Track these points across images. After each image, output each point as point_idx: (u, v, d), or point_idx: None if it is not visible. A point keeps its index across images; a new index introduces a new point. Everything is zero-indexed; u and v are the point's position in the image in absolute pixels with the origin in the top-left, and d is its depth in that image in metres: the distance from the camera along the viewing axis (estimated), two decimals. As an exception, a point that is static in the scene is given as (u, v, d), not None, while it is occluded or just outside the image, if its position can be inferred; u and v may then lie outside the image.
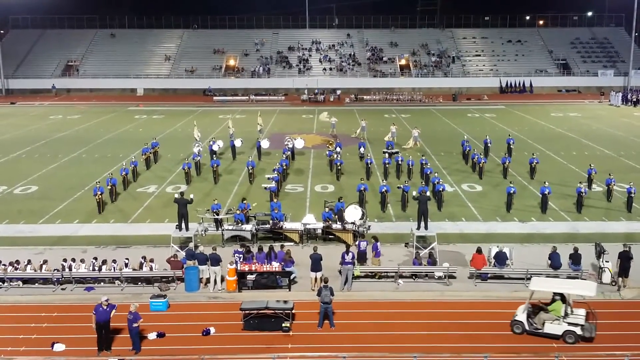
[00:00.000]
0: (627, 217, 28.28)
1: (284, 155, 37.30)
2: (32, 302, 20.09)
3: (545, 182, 29.51)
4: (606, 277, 20.92)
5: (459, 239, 25.52)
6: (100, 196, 29.01)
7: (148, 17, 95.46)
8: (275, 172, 32.05)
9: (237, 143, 41.19)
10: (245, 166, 35.35)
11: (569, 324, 17.46)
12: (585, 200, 29.11)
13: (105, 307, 17.07)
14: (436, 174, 31.93)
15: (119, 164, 37.36)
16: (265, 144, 40.43)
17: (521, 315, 17.91)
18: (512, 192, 28.97)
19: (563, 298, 18.03)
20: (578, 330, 17.32)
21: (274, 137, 46.21)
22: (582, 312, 17.86)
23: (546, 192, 28.67)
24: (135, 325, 16.99)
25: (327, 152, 38.80)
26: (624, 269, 20.66)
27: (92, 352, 17.08)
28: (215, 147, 38.91)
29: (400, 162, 35.41)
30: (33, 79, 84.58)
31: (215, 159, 36.02)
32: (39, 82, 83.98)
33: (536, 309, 18.22)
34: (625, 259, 20.63)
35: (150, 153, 38.97)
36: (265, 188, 29.87)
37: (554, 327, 17.54)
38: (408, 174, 34.50)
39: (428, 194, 25.19)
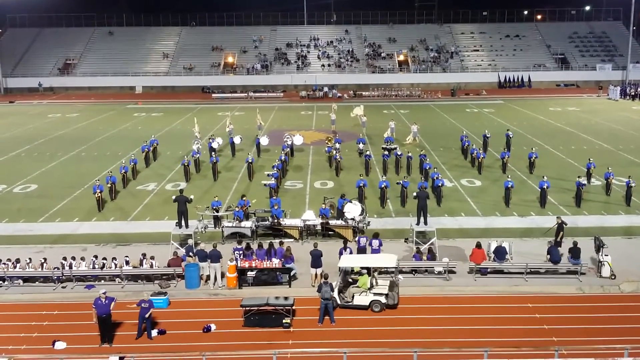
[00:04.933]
0: (626, 211, 28.32)
1: (283, 152, 37.30)
2: (33, 301, 20.11)
3: (544, 177, 29.52)
4: (605, 271, 20.95)
5: (458, 234, 25.56)
6: (99, 194, 29.03)
7: (146, 14, 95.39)
8: (275, 169, 32.07)
9: (237, 140, 41.22)
10: (245, 163, 35.38)
11: (375, 294, 19.17)
12: (584, 194, 29.15)
13: (104, 300, 17.21)
14: (435, 169, 31.95)
15: (119, 162, 37.36)
16: (264, 141, 40.44)
17: (333, 292, 19.09)
18: (509, 186, 29.00)
19: (369, 272, 19.57)
20: (382, 299, 19.05)
21: (273, 133, 46.18)
22: (385, 282, 19.73)
23: (545, 187, 28.71)
24: (150, 312, 17.58)
25: (326, 148, 38.82)
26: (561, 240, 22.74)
27: (93, 349, 17.12)
28: (214, 145, 38.94)
29: (399, 158, 35.44)
30: (31, 77, 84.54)
31: (214, 156, 36.03)
32: (37, 80, 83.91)
33: (347, 284, 19.52)
34: (561, 229, 22.82)
35: (148, 150, 38.81)
36: (265, 185, 29.92)
37: (361, 299, 19.17)
38: (407, 170, 34.52)
39: (427, 189, 25.24)
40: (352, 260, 20.58)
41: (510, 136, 40.20)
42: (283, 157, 35.49)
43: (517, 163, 36.40)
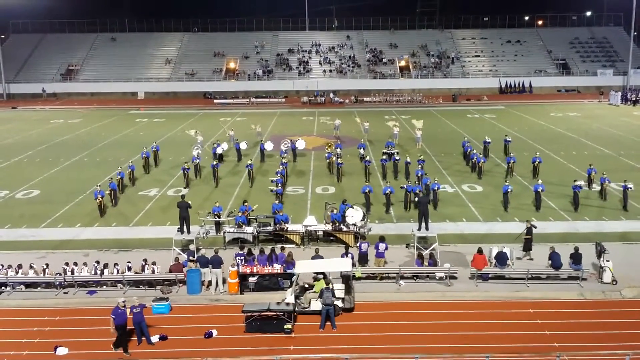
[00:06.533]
0: (626, 216, 28.31)
1: (282, 158, 37.34)
2: (35, 306, 20.15)
3: (538, 180, 29.49)
4: (607, 277, 20.97)
5: (459, 240, 25.56)
6: (101, 200, 29.11)
7: (148, 20, 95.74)
8: (279, 175, 32.21)
9: (242, 146, 41.43)
10: (246, 168, 35.49)
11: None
12: (584, 199, 29.13)
13: (123, 309, 17.28)
14: (426, 175, 31.58)
15: (118, 169, 37.38)
16: (269, 146, 40.68)
17: (290, 298, 19.18)
18: (508, 190, 28.97)
19: (325, 277, 19.54)
20: (339, 303, 19.01)
21: (275, 139, 46.27)
22: (341, 287, 19.77)
23: (539, 190, 28.72)
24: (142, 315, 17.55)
25: (326, 154, 38.88)
26: (529, 242, 23.04)
27: (95, 355, 17.18)
28: (219, 150, 39.10)
29: (396, 162, 35.46)
30: (34, 83, 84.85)
31: (217, 162, 36.12)
32: (40, 86, 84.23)
33: (303, 290, 19.47)
34: (530, 232, 23.02)
35: (147, 157, 38.63)
36: (272, 190, 30.06)
37: (318, 304, 18.76)
38: (406, 174, 34.54)
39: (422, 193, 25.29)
40: (308, 266, 20.34)
41: (509, 141, 40.29)
42: (284, 163, 35.64)
43: (519, 168, 36.40)
